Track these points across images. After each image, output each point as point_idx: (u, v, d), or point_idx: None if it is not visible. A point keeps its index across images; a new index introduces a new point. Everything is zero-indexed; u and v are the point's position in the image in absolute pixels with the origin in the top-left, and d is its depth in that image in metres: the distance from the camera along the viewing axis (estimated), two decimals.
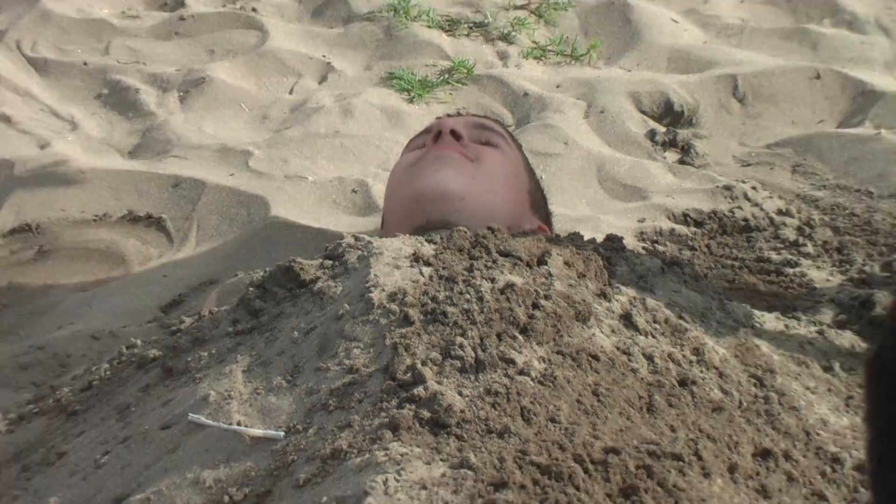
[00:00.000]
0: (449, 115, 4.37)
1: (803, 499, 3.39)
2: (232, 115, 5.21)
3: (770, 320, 4.04)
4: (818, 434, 3.61)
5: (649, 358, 3.55)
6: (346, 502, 3.06)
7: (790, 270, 4.46)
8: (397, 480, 3.09)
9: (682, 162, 4.93)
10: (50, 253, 4.67)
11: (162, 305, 4.39)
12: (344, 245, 3.92)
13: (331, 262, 3.88)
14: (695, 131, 5.03)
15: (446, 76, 5.30)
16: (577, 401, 3.34)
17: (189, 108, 5.18)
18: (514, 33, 5.60)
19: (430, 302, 3.53)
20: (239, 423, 3.53)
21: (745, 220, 4.76)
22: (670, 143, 4.97)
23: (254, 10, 5.66)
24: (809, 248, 4.58)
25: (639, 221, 4.68)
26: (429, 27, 5.56)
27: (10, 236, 4.70)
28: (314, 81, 5.23)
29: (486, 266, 3.65)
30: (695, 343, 3.66)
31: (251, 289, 3.99)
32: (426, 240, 3.80)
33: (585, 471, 3.13)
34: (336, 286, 3.77)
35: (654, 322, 3.67)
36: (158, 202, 4.77)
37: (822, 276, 4.44)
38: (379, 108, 5.20)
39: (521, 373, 3.35)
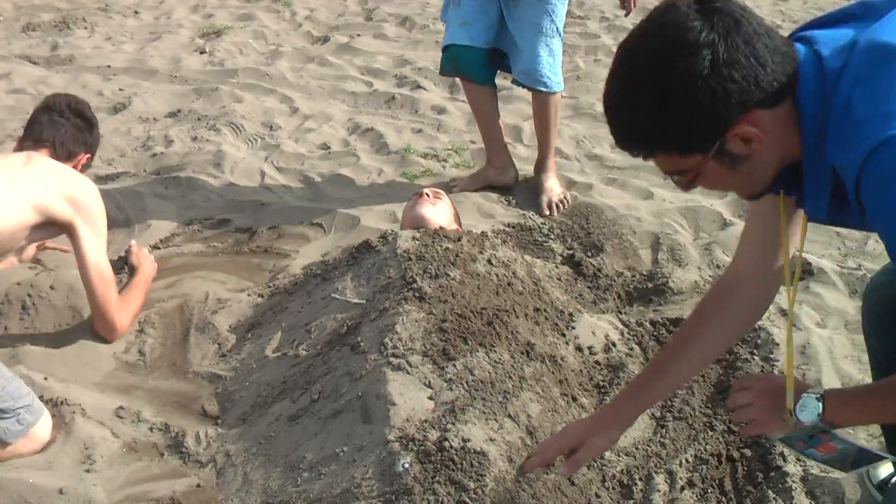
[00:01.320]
0: (425, 187, 4.34)
1: (550, 325, 3.41)
2: (349, 190, 5.11)
3: (538, 262, 4.02)
4: (555, 302, 3.62)
5: (497, 276, 3.55)
6: (388, 327, 3.12)
7: (546, 244, 4.40)
8: (406, 318, 3.13)
9: (509, 204, 4.86)
10: (281, 237, 4.61)
11: (322, 254, 4.32)
12: (388, 234, 3.91)
13: (383, 239, 3.86)
14: (516, 197, 4.92)
15: (425, 173, 5.23)
16: (471, 291, 3.35)
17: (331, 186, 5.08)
18: (447, 159, 5.48)
19: (418, 252, 3.53)
20: (349, 297, 3.55)
21: (530, 226, 4.60)
22: (507, 201, 4.88)
23: (356, 154, 5.52)
24: (553, 236, 4.51)
25: (492, 226, 4.55)
26: (417, 157, 5.46)
27: (269, 230, 4.65)
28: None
29: (438, 240, 3.65)
30: (512, 269, 3.66)
31: (353, 249, 3.99)
32: (416, 231, 3.79)
33: (473, 315, 3.17)
34: (384, 248, 3.76)
35: (499, 262, 3.66)
36: (321, 219, 4.71)
37: (557, 246, 4.38)
38: (399, 184, 5.17)
39: (451, 280, 3.36)
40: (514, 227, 4.61)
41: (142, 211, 4.85)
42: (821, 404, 2.03)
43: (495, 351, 3.05)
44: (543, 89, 4.79)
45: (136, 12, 9.00)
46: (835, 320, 3.76)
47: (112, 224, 4.70)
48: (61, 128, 3.82)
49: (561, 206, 4.83)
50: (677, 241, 4.37)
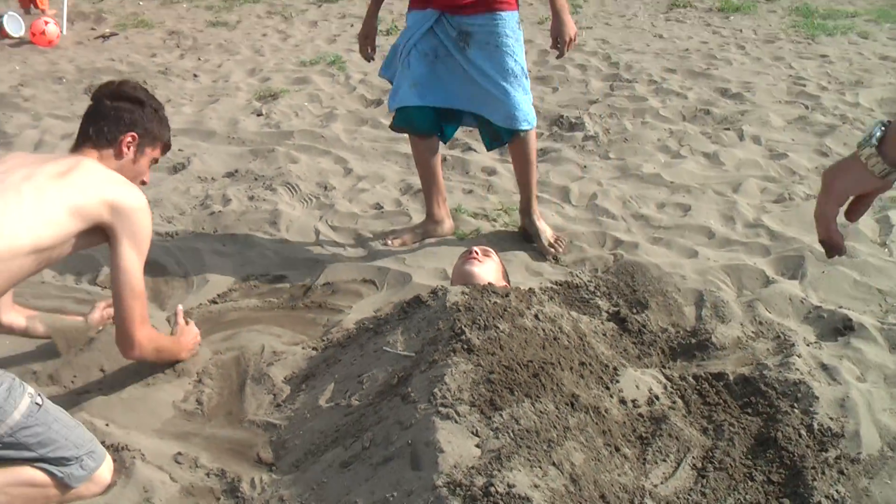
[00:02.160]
0: (475, 245, 4.44)
1: (595, 378, 3.48)
2: (401, 248, 5.22)
3: (584, 318, 4.09)
4: (600, 356, 3.68)
5: (543, 330, 3.63)
6: (438, 378, 3.19)
7: (592, 301, 4.47)
8: (455, 370, 3.21)
9: (556, 260, 4.99)
10: (335, 293, 4.70)
11: (375, 310, 4.42)
12: (438, 289, 4.00)
13: (433, 294, 3.95)
14: (561, 257, 5.02)
15: (475, 232, 5.31)
16: (519, 344, 3.43)
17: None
18: (497, 219, 5.55)
19: (467, 305, 3.63)
20: (400, 350, 3.65)
21: (577, 284, 4.66)
22: (555, 260, 4.94)
23: (408, 214, 5.72)
24: (599, 294, 4.57)
25: (540, 284, 4.62)
26: (468, 216, 5.56)
27: (323, 286, 4.75)
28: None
29: (487, 295, 3.75)
30: (559, 324, 3.72)
31: (404, 303, 4.08)
32: (466, 287, 3.89)
33: (520, 367, 3.25)
34: (434, 303, 3.85)
35: (546, 317, 3.73)
36: (374, 276, 4.83)
37: (604, 303, 4.44)
38: (450, 243, 5.28)
39: (500, 332, 3.44)
40: (561, 285, 4.69)
41: (200, 266, 5.00)
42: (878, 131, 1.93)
43: (541, 401, 3.13)
44: (526, 127, 4.98)
45: (195, 75, 9.26)
46: (874, 374, 3.82)
47: (172, 279, 4.88)
48: (98, 117, 3.69)
49: (561, 243, 5.14)
50: (721, 297, 4.45)
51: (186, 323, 4.10)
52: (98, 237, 3.46)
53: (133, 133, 3.70)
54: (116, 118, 3.68)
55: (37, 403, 3.06)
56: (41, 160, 3.45)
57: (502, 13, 4.79)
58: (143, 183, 3.83)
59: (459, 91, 4.96)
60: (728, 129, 7.26)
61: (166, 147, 3.98)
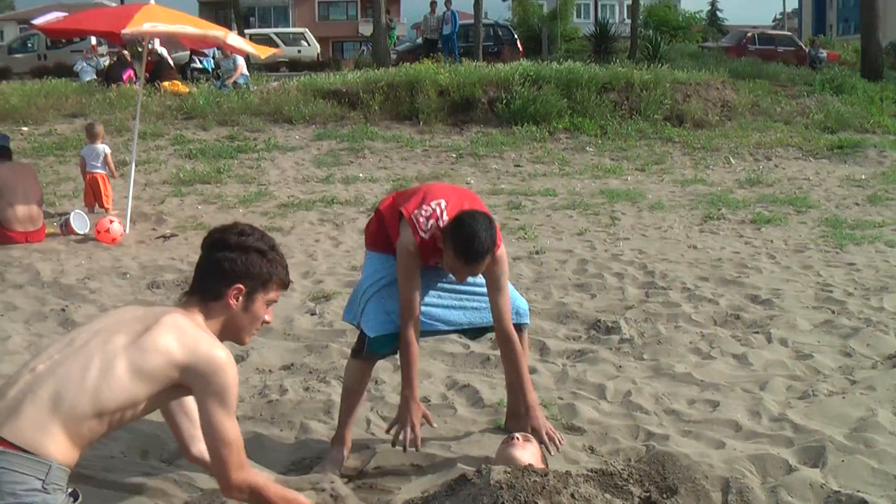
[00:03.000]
0: (516, 433, 4.72)
1: None
2: (447, 437, 5.59)
3: (617, 501, 4.31)
4: None
5: None
6: None
7: (625, 487, 4.59)
8: None
9: (592, 452, 5.24)
10: (385, 476, 5.01)
11: (422, 491, 4.69)
12: (482, 468, 4.27)
13: (478, 473, 4.22)
14: (598, 447, 5.32)
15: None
16: None
17: None
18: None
19: (510, 483, 3.93)
20: None
21: (611, 472, 4.80)
22: (590, 450, 5.27)
23: (454, 407, 6.08)
24: (632, 481, 4.71)
25: (576, 470, 4.55)
26: None
27: (374, 469, 5.08)
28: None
29: (528, 474, 4.04)
30: (593, 503, 4.04)
31: (451, 482, 4.35)
32: (508, 466, 4.18)
33: None
34: (478, 480, 4.14)
35: (581, 497, 4.00)
36: (421, 461, 5.17)
37: (636, 490, 4.60)
38: (492, 432, 5.59)
39: None
40: (595, 472, 4.91)
41: (259, 448, 5.34)
42: None
43: None
44: (528, 321, 5.44)
45: None
46: None
47: None
48: (203, 270, 3.66)
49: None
50: (746, 484, 4.73)
51: None
52: (182, 391, 3.44)
53: (238, 285, 3.60)
54: (220, 271, 3.60)
55: None
56: (130, 321, 3.44)
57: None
58: (266, 322, 3.78)
59: (449, 312, 5.21)
60: (757, 332, 7.64)
61: (283, 285, 3.80)
